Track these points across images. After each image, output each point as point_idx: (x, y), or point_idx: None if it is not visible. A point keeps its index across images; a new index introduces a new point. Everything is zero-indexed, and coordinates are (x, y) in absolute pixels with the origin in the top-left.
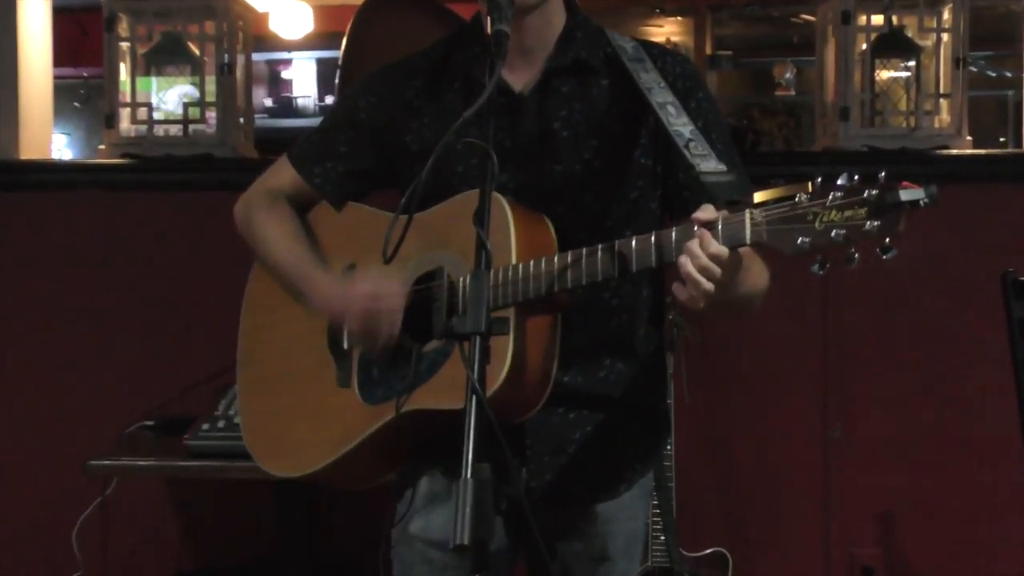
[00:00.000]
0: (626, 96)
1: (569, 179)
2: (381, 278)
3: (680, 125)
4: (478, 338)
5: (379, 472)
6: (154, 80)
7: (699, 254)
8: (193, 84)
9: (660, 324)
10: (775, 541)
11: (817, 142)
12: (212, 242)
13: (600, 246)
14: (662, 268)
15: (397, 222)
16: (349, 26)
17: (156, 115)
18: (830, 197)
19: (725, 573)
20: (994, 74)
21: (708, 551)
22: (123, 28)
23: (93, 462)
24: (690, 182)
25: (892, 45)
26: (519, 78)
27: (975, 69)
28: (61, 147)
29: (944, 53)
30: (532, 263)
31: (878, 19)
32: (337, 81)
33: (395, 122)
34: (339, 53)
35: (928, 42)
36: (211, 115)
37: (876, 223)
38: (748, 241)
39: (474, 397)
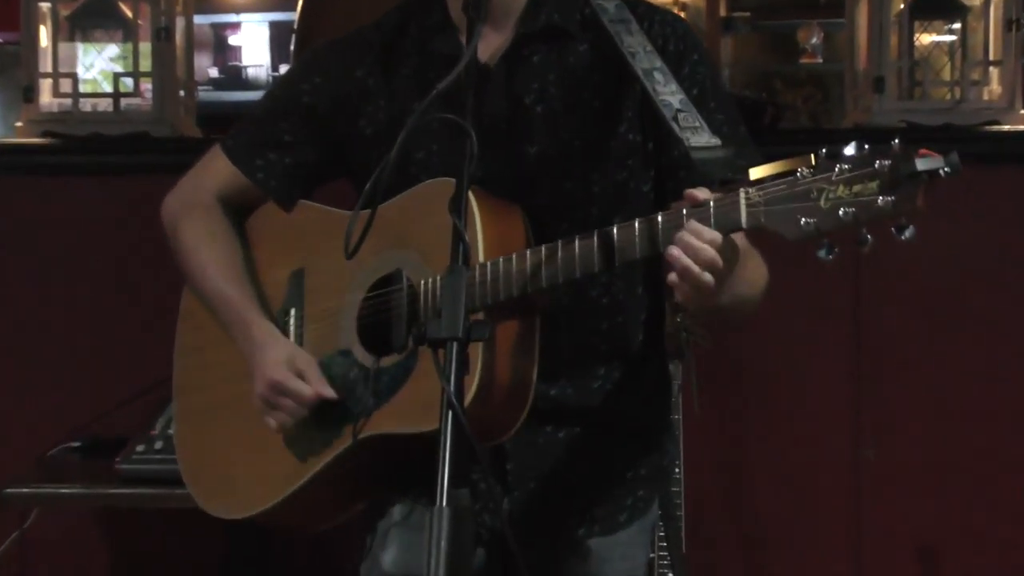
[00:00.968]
0: (608, 63)
1: (545, 163)
2: (298, 355)
3: (668, 94)
4: (455, 344)
5: (339, 509)
6: (80, 46)
7: (692, 242)
8: (125, 51)
9: (660, 325)
10: None
11: (847, 117)
12: (147, 236)
13: (576, 237)
14: (657, 260)
15: (359, 217)
16: None
17: (82, 87)
18: (836, 170)
19: None
20: None
21: None
22: None
23: (9, 490)
24: (685, 159)
25: (934, 4)
26: (485, 47)
27: None
28: None
29: (994, 14)
30: (501, 261)
31: None
32: (292, 48)
33: (345, 105)
34: (295, 16)
35: (976, 1)
36: (146, 87)
37: (890, 198)
38: (744, 224)
39: (451, 412)
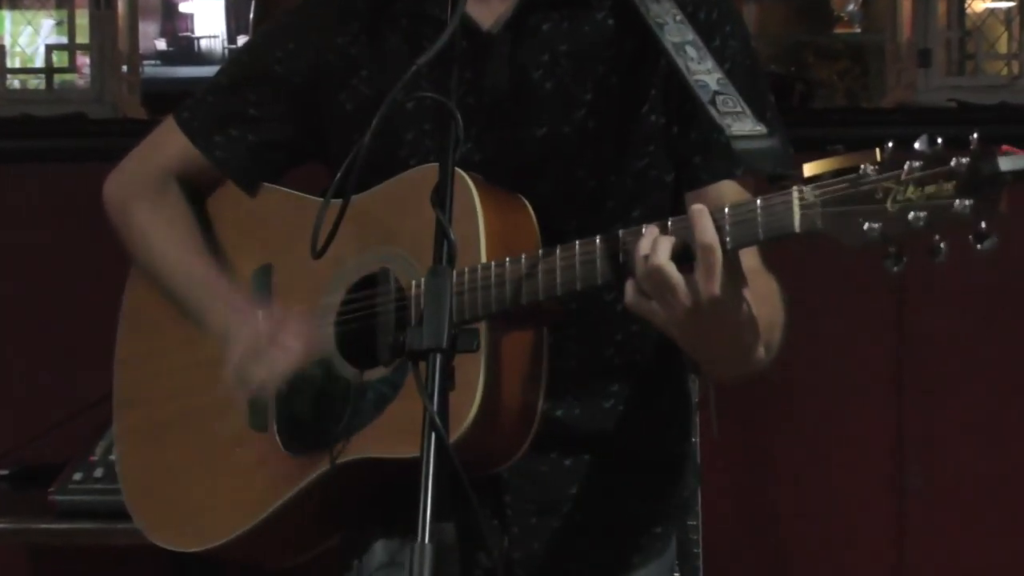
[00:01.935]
0: (630, 34)
1: (554, 147)
2: (302, 322)
3: (703, 73)
4: (438, 356)
5: (311, 543)
6: (7, 16)
7: (647, 251)
8: (59, 21)
9: None
10: None
11: (889, 95)
12: (85, 230)
13: (600, 237)
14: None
15: (328, 208)
16: None
17: (9, 62)
18: (906, 168)
19: None
20: None
21: None
22: None
23: None
24: (707, 145)
25: None
26: (487, 12)
27: None
28: None
29: None
30: (508, 262)
31: None
32: (252, 16)
33: (324, 76)
34: None
35: None
36: (84, 62)
37: (968, 202)
38: (797, 228)
39: (433, 435)
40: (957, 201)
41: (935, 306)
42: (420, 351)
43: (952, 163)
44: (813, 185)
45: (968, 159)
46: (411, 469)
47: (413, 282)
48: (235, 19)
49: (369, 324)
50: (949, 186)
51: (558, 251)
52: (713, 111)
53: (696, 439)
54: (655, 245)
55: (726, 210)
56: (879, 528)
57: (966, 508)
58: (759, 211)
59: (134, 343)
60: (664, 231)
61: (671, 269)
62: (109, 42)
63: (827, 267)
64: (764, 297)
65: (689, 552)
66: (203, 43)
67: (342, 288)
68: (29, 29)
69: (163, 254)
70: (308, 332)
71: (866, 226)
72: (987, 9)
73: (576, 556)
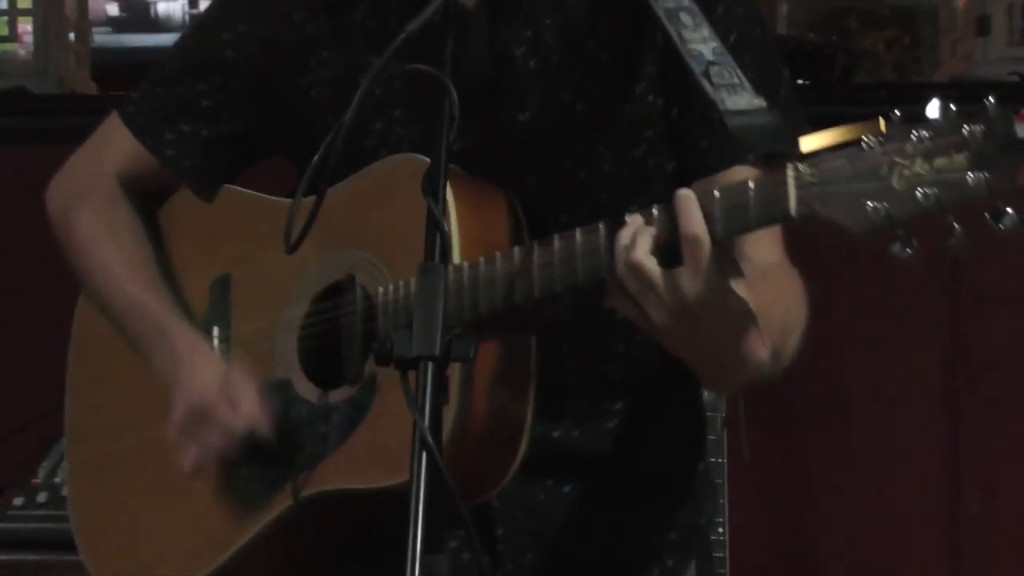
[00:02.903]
0: (620, 4)
1: (539, 133)
2: (234, 377)
3: (698, 42)
4: (430, 365)
5: None
6: None
7: (626, 244)
8: None
9: None
10: None
11: (942, 67)
12: (29, 226)
13: (578, 230)
14: None
15: (302, 206)
16: None
17: None
18: (913, 139)
19: None
20: None
21: None
22: None
23: None
24: (713, 126)
25: None
26: None
27: None
28: None
29: None
30: (482, 263)
31: None
32: None
33: (280, 59)
34: None
35: None
36: (25, 29)
37: (982, 175)
38: (793, 212)
39: (424, 455)
40: (970, 175)
41: (993, 311)
42: (409, 359)
43: (964, 132)
44: (810, 162)
45: (982, 127)
46: (385, 501)
47: (380, 289)
48: None
49: (333, 339)
50: (961, 158)
51: (535, 247)
52: (706, 83)
53: (723, 460)
54: (635, 238)
55: (716, 194)
56: (931, 560)
57: None
58: (751, 194)
59: (85, 369)
60: (648, 221)
61: (651, 265)
62: (54, 10)
63: (871, 267)
64: (777, 297)
65: None
66: (160, 8)
67: (305, 299)
68: None
69: (106, 272)
70: (263, 385)
71: (870, 207)
72: None
73: None
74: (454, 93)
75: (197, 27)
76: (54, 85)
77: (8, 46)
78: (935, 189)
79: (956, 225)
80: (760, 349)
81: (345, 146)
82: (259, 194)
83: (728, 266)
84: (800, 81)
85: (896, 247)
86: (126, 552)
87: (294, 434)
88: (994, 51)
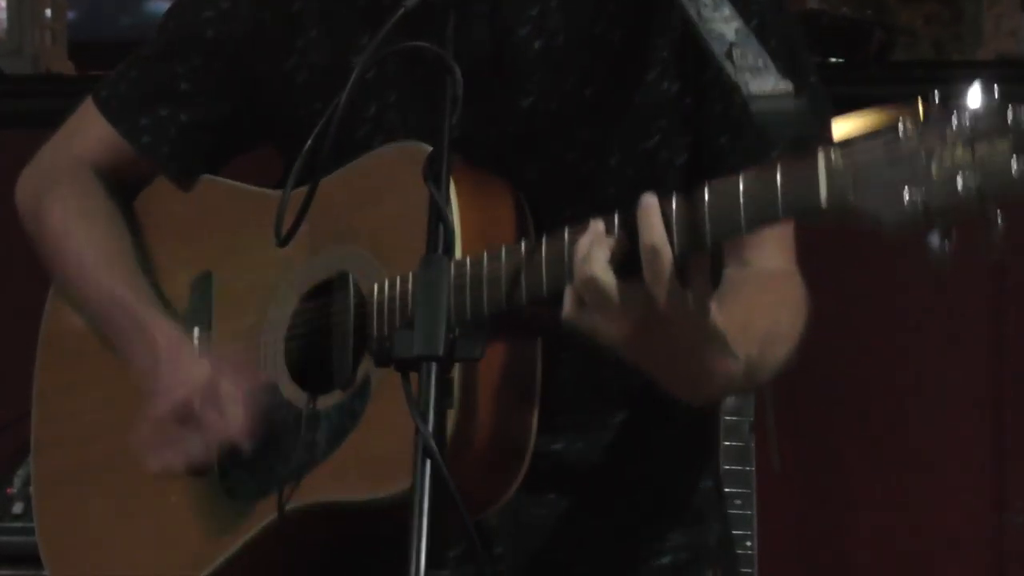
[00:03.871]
0: None
1: (543, 121)
2: (222, 376)
3: (719, 21)
4: (434, 366)
5: None
6: None
7: (583, 254)
8: None
9: None
10: None
11: (986, 45)
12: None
13: (545, 237)
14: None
15: (292, 197)
16: None
17: None
18: (953, 124)
19: None
20: None
21: None
22: None
23: None
24: (732, 119)
25: None
26: None
27: None
28: None
29: None
30: (487, 258)
31: None
32: None
33: (265, 40)
34: None
35: None
36: None
37: None
38: (824, 202)
39: (428, 463)
40: (1015, 162)
41: None
42: (411, 359)
43: (1008, 116)
44: (842, 148)
45: None
46: (377, 514)
47: (376, 286)
48: None
49: (323, 340)
50: (1004, 144)
51: (544, 241)
52: (728, 65)
53: (751, 467)
54: (592, 248)
55: (705, 195)
56: (974, 574)
57: None
58: (779, 182)
59: (54, 372)
60: (609, 229)
61: (607, 278)
62: None
63: (911, 268)
64: (766, 307)
65: None
66: None
67: (293, 298)
68: None
69: (80, 264)
70: (251, 389)
71: (907, 196)
72: None
73: None
74: (458, 72)
75: (177, 4)
76: (28, 65)
77: None
78: (976, 177)
79: (998, 217)
80: (728, 364)
81: (337, 133)
82: (244, 185)
83: (696, 279)
84: (832, 59)
85: (934, 240)
86: (96, 569)
87: (280, 442)
88: None
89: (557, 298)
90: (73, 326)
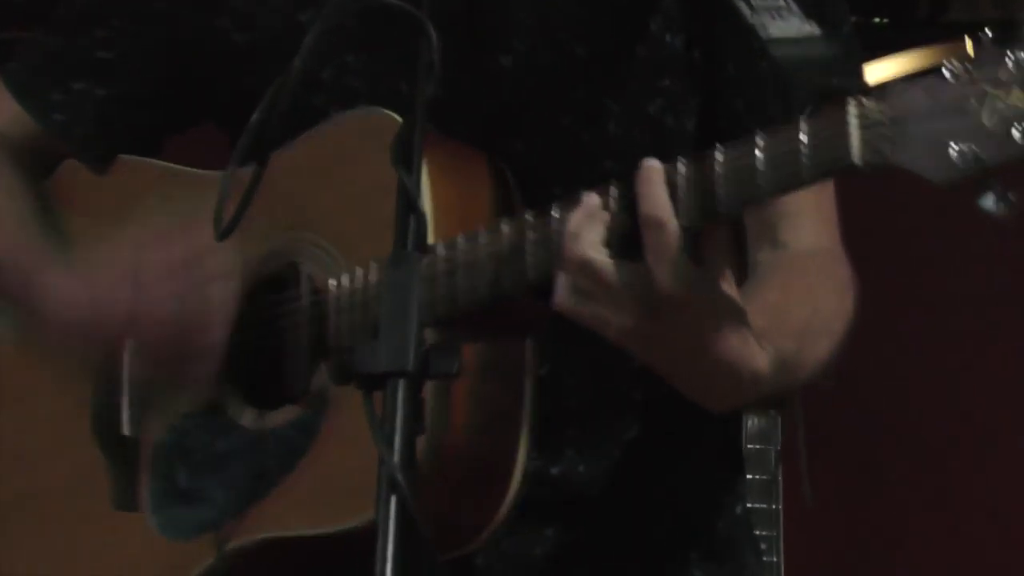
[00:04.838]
0: None
1: (529, 82)
2: (186, 226)
3: None
4: (401, 383)
5: None
6: None
7: (574, 234)
8: None
9: None
10: None
11: None
12: None
13: (531, 214)
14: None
15: (235, 179)
16: None
17: None
18: (1008, 63)
19: None
20: None
21: None
22: None
23: None
24: (753, 82)
25: None
26: None
27: None
28: None
29: None
30: (462, 242)
31: None
32: None
33: None
34: None
35: None
36: None
37: None
38: (857, 159)
39: (394, 496)
40: None
41: None
42: (375, 376)
43: None
44: (877, 96)
45: None
46: (337, 553)
47: (332, 281)
48: None
49: (272, 346)
50: None
51: (529, 218)
52: (743, 6)
53: (777, 506)
54: (584, 225)
55: (718, 156)
56: None
57: None
58: (804, 139)
59: None
60: (605, 203)
61: (602, 259)
62: None
63: (961, 268)
64: (806, 293)
65: None
66: None
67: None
68: None
69: None
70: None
71: (955, 150)
72: None
73: None
74: (433, 32)
75: None
76: None
77: None
78: None
79: None
80: (756, 360)
81: (289, 103)
82: (180, 167)
83: (711, 257)
84: (877, 20)
85: (988, 201)
86: None
87: (221, 467)
88: None
89: (547, 287)
90: None
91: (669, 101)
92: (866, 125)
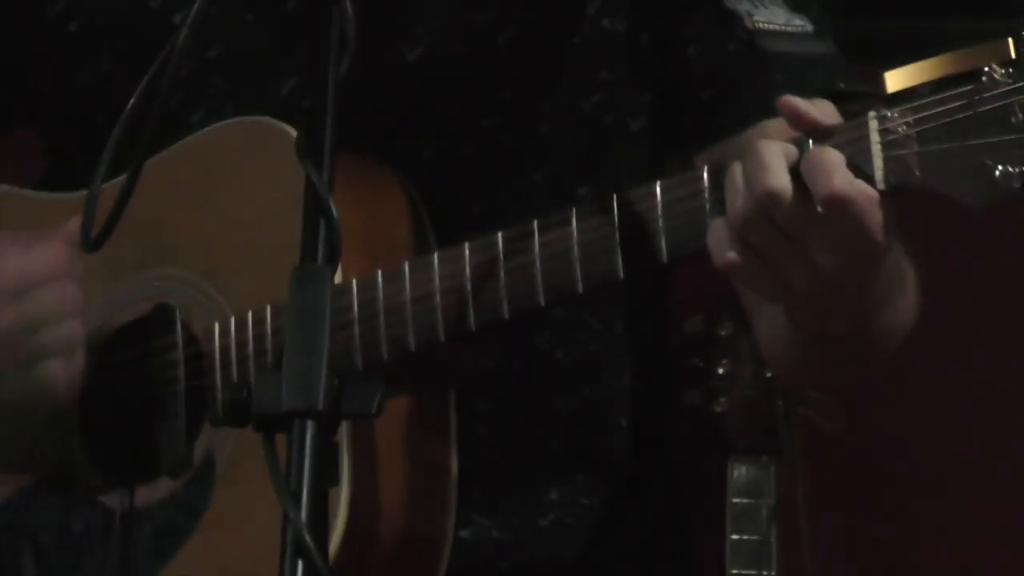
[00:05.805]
0: None
1: (442, 78)
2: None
3: None
4: (310, 425)
5: None
6: None
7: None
8: None
9: (666, 392)
10: None
11: None
12: None
13: (531, 224)
14: (664, 272)
15: (94, 200)
16: None
17: None
18: None
19: None
20: None
21: None
22: None
23: None
24: (718, 64)
25: None
26: None
27: None
28: None
29: None
30: (381, 281)
31: None
32: None
33: None
34: None
35: None
36: None
37: None
38: (879, 182)
39: (300, 564)
40: None
41: None
42: (278, 415)
43: None
44: (902, 107)
45: None
46: None
47: (215, 326)
48: None
49: (138, 407)
50: None
51: (467, 251)
52: None
53: (769, 573)
54: (774, 154)
55: (759, 146)
56: None
57: None
58: (812, 155)
59: None
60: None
61: (791, 189)
62: None
63: (989, 276)
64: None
65: None
66: None
67: (91, 345)
68: None
69: None
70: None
71: (997, 171)
72: None
73: None
74: (349, 8)
75: None
76: None
77: None
78: None
79: None
80: (910, 313)
81: (144, 107)
82: (12, 187)
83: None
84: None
85: None
86: None
87: (82, 559)
88: None
89: (480, 332)
90: None
91: (608, 97)
92: (888, 142)
